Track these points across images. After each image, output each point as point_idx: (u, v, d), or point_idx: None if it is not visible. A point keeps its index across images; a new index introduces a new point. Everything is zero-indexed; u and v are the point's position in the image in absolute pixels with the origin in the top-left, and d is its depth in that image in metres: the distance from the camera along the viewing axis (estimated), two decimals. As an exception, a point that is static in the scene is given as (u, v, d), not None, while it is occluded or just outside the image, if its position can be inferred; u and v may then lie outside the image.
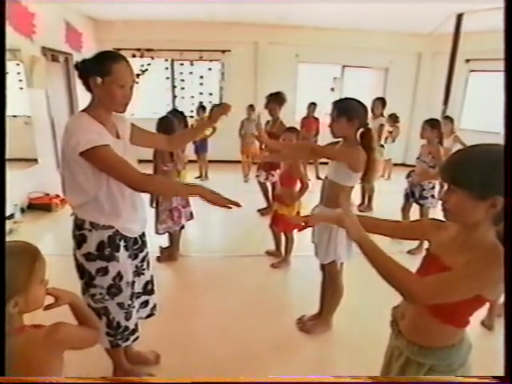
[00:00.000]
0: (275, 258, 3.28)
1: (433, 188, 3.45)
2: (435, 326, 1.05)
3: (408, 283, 0.93)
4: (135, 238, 1.67)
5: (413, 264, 1.13)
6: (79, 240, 1.53)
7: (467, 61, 6.56)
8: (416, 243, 3.41)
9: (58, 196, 4.52)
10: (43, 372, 0.90)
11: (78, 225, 1.53)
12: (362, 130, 1.99)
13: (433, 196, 3.46)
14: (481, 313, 2.38)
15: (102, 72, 1.40)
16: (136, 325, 1.72)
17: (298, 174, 2.99)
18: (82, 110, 1.48)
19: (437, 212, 3.29)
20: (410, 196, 3.56)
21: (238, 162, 6.26)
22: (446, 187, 1.00)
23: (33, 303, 0.93)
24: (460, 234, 1.01)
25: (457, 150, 1.04)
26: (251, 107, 5.77)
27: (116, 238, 1.54)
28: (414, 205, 3.59)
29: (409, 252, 3.37)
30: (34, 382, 0.80)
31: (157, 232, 3.02)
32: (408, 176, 3.63)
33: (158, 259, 3.19)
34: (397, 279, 0.94)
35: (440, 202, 1.05)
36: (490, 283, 0.93)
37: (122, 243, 1.57)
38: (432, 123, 3.37)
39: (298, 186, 3.04)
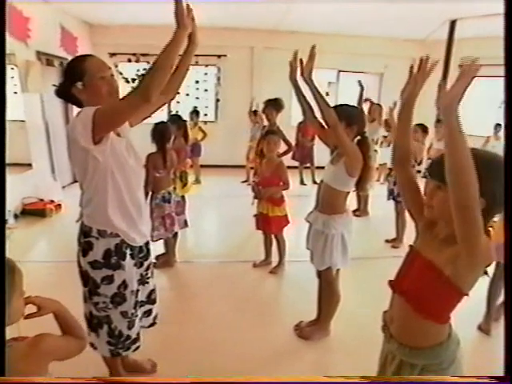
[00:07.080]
0: (266, 267, 3.22)
1: None
2: (421, 324, 1.08)
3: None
4: (140, 247, 1.66)
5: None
6: (85, 247, 1.51)
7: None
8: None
9: (52, 201, 4.48)
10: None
11: (85, 232, 1.52)
12: (358, 138, 2.00)
13: None
14: (478, 317, 2.39)
15: (78, 75, 1.40)
16: (138, 334, 1.70)
17: (284, 174, 2.97)
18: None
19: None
20: (390, 193, 3.85)
21: (232, 166, 6.25)
22: (431, 186, 1.03)
23: (13, 316, 0.90)
24: (441, 231, 1.05)
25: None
26: (255, 113, 5.79)
27: (123, 247, 1.53)
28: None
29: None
30: (34, 382, 0.79)
31: (151, 239, 2.99)
32: (387, 176, 4.08)
33: (155, 265, 3.16)
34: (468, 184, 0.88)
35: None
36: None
37: (129, 251, 1.56)
38: (423, 128, 3.77)
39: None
